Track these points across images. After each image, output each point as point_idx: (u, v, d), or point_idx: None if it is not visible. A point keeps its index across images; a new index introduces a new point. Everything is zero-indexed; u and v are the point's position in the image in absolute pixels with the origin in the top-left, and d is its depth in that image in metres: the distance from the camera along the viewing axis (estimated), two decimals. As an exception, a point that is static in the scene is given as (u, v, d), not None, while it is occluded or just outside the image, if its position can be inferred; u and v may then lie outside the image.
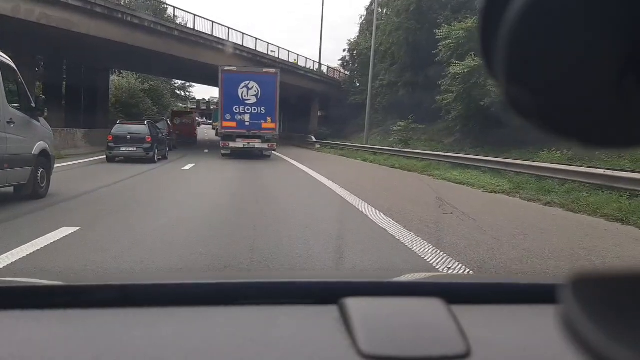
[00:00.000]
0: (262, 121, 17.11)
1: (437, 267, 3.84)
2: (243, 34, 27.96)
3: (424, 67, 22.87)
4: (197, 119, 39.15)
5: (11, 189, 6.43)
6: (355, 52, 37.18)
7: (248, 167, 14.74)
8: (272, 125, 17.34)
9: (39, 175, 6.69)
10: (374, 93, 29.30)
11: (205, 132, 53.41)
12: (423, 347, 0.71)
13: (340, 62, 39.77)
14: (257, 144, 17.21)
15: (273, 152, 17.86)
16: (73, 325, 0.79)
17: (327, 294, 0.88)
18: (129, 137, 14.31)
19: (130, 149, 14.19)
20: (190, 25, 23.99)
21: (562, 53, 0.28)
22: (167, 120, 24.57)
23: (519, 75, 0.29)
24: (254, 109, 17.12)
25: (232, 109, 17.14)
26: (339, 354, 0.69)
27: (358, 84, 37.60)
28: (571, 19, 0.26)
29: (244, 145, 17.12)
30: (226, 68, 17.84)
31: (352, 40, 38.11)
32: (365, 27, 39.60)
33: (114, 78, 36.21)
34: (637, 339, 0.26)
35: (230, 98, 17.12)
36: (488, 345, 0.74)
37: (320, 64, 38.36)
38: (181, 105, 60.29)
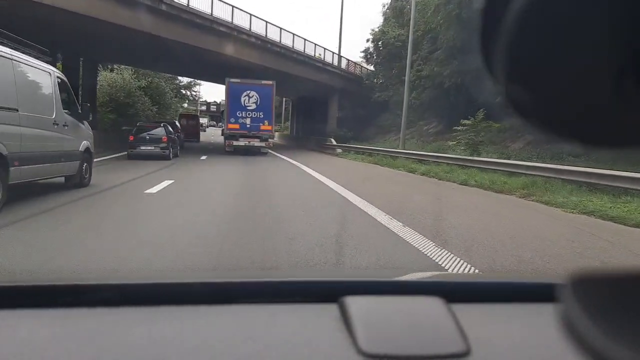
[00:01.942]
0: (261, 124, 20.30)
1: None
2: (250, 15, 23.03)
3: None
4: (200, 120, 42.49)
5: (62, 179, 7.86)
6: (380, 42, 32.04)
7: (254, 192, 9.81)
8: (269, 128, 20.76)
9: (84, 168, 8.18)
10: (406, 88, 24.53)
11: (212, 134, 48.58)
12: (423, 345, 0.70)
13: (362, 54, 34.70)
14: (256, 143, 20.35)
15: (269, 149, 21.35)
16: (73, 325, 0.78)
17: (327, 292, 0.87)
18: (148, 137, 15.87)
19: (149, 147, 15.64)
20: (183, 1, 19.08)
21: (561, 53, 0.28)
22: (176, 122, 26.81)
23: (519, 75, 0.29)
24: (254, 114, 20.30)
25: (236, 113, 20.27)
26: (339, 352, 0.69)
27: (382, 80, 32.60)
28: (571, 18, 0.26)
29: (245, 143, 20.22)
30: (232, 80, 20.67)
31: (377, 29, 32.90)
32: (390, 14, 34.59)
33: (105, 74, 31.98)
34: (637, 338, 0.26)
35: (234, 104, 20.23)
36: (488, 344, 0.74)
37: (340, 56, 33.32)
38: (192, 108, 62.38)
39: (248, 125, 20.28)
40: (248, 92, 20.50)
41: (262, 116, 20.54)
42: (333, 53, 32.12)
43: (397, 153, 18.83)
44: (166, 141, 16.21)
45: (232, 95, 20.58)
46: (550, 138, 0.30)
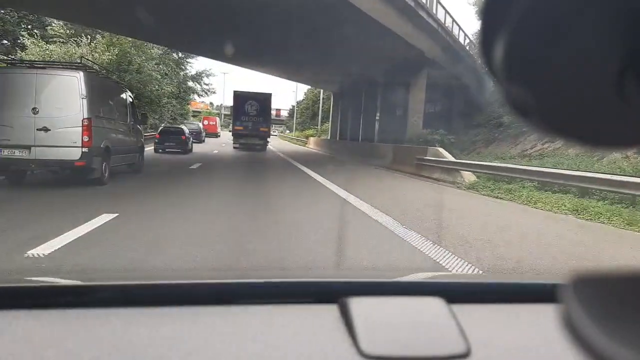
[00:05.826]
0: (260, 127, 26.45)
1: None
2: None
3: None
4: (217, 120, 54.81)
5: (125, 166, 10.72)
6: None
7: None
8: (266, 129, 27.05)
9: (140, 158, 11.52)
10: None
11: (224, 142, 34.47)
12: (423, 346, 0.71)
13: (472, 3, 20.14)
14: (256, 141, 26.05)
15: (267, 146, 27.01)
16: (74, 325, 0.78)
17: (327, 293, 0.87)
18: (171, 136, 20.43)
19: (172, 143, 20.05)
20: None
21: (562, 53, 0.28)
22: (200, 124, 36.03)
23: (519, 74, 0.29)
24: (255, 119, 26.36)
25: (241, 118, 26.66)
26: (340, 353, 0.70)
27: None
28: (571, 19, 0.27)
29: (247, 141, 25.93)
30: (237, 91, 27.59)
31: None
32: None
33: (34, 42, 19.86)
34: (637, 338, 0.26)
35: (239, 111, 26.83)
36: (488, 345, 0.74)
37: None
38: (214, 112, 68.07)
39: (250, 127, 26.26)
40: (250, 101, 26.50)
41: (262, 120, 26.54)
42: (426, -10, 17.59)
43: None
44: (185, 139, 20.57)
45: (238, 104, 26.90)
46: (551, 137, 0.29)
